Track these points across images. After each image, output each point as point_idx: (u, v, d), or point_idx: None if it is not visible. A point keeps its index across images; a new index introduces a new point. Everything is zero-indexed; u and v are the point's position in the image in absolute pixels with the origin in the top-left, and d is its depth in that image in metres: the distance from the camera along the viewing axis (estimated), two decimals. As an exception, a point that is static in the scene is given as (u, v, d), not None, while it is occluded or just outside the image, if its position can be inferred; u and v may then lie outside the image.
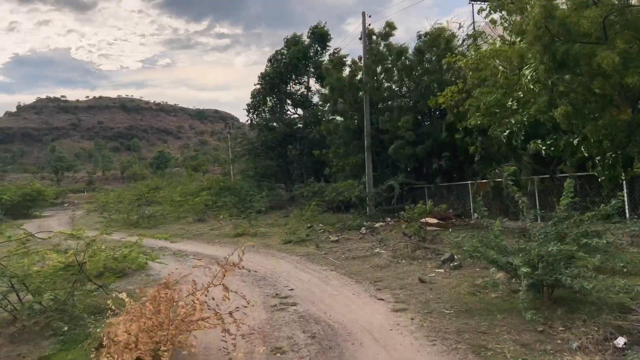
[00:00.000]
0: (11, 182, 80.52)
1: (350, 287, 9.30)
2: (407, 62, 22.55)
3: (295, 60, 33.13)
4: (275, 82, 34.02)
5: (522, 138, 14.67)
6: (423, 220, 15.49)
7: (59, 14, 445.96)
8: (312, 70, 34.64)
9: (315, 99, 35.16)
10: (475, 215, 18.82)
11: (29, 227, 30.37)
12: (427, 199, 20.96)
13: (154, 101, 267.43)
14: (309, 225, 18.86)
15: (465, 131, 18.39)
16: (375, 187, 21.51)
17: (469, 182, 18.99)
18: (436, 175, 21.27)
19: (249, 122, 36.35)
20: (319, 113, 32.54)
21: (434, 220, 17.44)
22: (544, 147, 13.76)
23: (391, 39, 22.74)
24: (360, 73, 23.13)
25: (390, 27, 22.58)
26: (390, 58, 22.36)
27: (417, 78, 22.32)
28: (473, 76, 16.39)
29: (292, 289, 9.47)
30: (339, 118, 25.54)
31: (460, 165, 20.67)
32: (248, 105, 35.54)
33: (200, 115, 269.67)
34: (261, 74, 35.08)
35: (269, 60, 35.63)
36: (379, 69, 23.01)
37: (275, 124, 35.34)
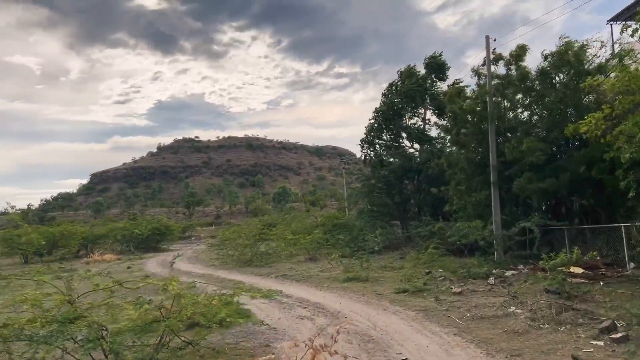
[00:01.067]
0: (148, 216, 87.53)
1: (480, 362, 7.41)
2: (537, 87, 20.09)
3: (412, 91, 31.62)
4: (389, 115, 32.69)
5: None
6: (567, 270, 12.85)
7: (195, 63, 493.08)
8: (429, 102, 32.83)
9: (433, 132, 33.23)
10: (632, 264, 15.63)
11: (154, 260, 31.92)
12: (567, 244, 18.02)
13: (277, 140, 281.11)
14: (427, 270, 16.92)
15: (613, 164, 15.58)
16: (504, 228, 18.98)
17: (622, 224, 15.85)
18: (577, 215, 18.25)
19: (363, 157, 35.21)
20: (438, 146, 30.49)
21: (580, 271, 14.66)
22: None
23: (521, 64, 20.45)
24: (485, 100, 21.00)
25: (522, 49, 20.32)
26: (517, 84, 20.06)
27: (550, 104, 19.67)
28: (623, 100, 13.76)
29: (406, 358, 7.80)
30: (459, 150, 23.38)
31: (609, 203, 17.51)
32: (362, 140, 34.52)
33: (319, 152, 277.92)
34: (376, 108, 34.01)
35: (383, 95, 34.53)
36: (505, 95, 20.76)
37: (391, 159, 33.85)
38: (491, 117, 19.88)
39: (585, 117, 15.33)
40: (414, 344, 8.68)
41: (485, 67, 20.92)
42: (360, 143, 34.33)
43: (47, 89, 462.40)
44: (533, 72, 20.00)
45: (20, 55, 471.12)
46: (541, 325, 9.21)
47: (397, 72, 33.77)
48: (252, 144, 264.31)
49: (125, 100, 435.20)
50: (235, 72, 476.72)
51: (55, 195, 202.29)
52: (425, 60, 32.83)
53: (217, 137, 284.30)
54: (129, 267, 27.58)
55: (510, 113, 21.49)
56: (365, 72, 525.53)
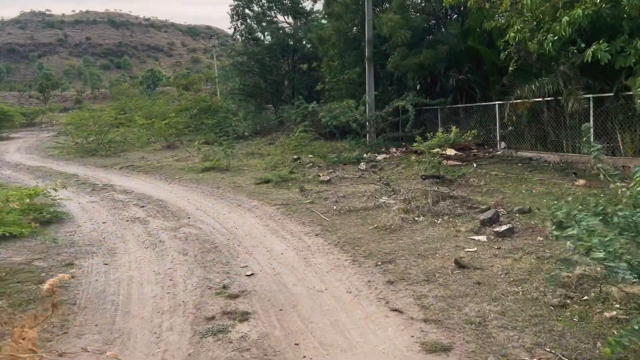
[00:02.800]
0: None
1: (345, 274, 5.76)
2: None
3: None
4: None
5: (566, 38, 10.53)
6: (441, 153, 11.73)
7: None
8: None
9: (308, 5, 30.19)
10: (503, 144, 15.18)
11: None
12: (440, 124, 17.23)
13: (144, 16, 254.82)
14: (295, 157, 15.15)
15: (492, 36, 14.47)
16: (377, 109, 17.57)
17: (496, 102, 15.12)
18: (452, 94, 17.28)
19: (233, 30, 31.28)
20: (314, 22, 27.77)
21: (453, 152, 13.81)
22: (602, 51, 9.52)
23: None
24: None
25: None
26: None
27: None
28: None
29: (251, 274, 5.95)
30: (334, 23, 20.95)
31: (485, 80, 16.67)
32: (232, 9, 30.30)
33: (192, 31, 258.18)
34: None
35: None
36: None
37: (262, 34, 30.46)
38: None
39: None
40: (267, 250, 6.86)
41: None
42: (228, 12, 30.19)
43: None
44: None
45: None
46: (416, 219, 7.85)
47: None
48: (115, 21, 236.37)
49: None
50: None
51: None
52: None
53: (73, 10, 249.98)
54: (-58, 160, 22.63)
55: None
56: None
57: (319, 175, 12.33)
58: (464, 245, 6.46)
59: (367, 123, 17.11)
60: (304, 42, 28.61)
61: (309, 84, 27.75)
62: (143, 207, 10.23)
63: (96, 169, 16.75)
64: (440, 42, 16.87)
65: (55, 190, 7.48)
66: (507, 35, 11.50)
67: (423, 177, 10.27)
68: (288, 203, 9.67)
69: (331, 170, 13.10)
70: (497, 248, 6.28)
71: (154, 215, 9.40)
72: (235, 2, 29.92)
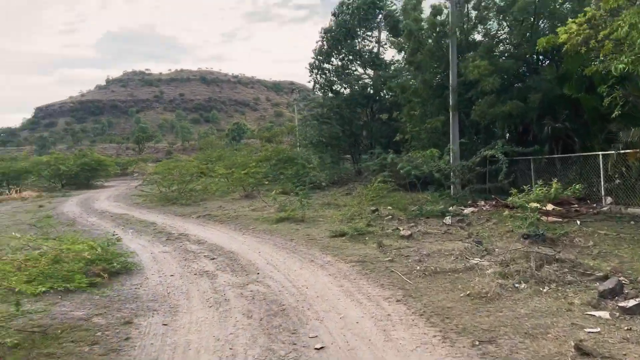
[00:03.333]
0: (95, 152, 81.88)
1: (434, 355, 4.72)
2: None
3: (363, 9, 28.00)
4: (339, 36, 29.06)
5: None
6: (540, 208, 10.38)
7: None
8: (384, 21, 29.32)
9: (388, 56, 30.06)
10: (609, 199, 13.44)
11: (77, 198, 28.31)
12: (533, 176, 15.74)
13: (232, 74, 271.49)
14: (373, 208, 14.28)
15: (592, 81, 13.13)
16: (462, 158, 16.44)
17: (599, 152, 13.52)
18: (547, 143, 15.83)
19: (312, 83, 31.63)
20: (392, 70, 27.39)
21: (551, 207, 12.33)
22: None
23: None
24: (445, 12, 17.83)
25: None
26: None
27: (519, 13, 16.65)
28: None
29: (321, 347, 5.08)
30: (415, 72, 20.31)
31: (584, 128, 15.13)
32: (311, 65, 30.82)
33: (277, 87, 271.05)
34: (323, 28, 30.24)
35: (333, 14, 30.72)
36: (470, 5, 17.70)
37: (340, 86, 30.50)
38: (451, 29, 16.80)
39: (566, 23, 12.49)
40: (340, 317, 5.98)
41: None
42: (307, 67, 30.67)
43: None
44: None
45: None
46: (517, 285, 6.65)
47: (349, -14, 29.86)
48: (206, 78, 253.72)
49: (71, 30, 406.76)
50: (188, 1, 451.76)
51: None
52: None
53: (169, 70, 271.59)
54: (40, 206, 24.02)
55: (480, 26, 18.38)
56: (324, 3, 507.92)
57: (399, 229, 11.34)
58: (582, 324, 5.22)
59: (452, 173, 15.99)
60: (383, 92, 28.26)
61: (388, 133, 27.07)
62: (213, 259, 9.74)
63: (174, 217, 16.80)
64: (532, 89, 15.65)
65: (114, 243, 7.09)
66: (613, 67, 10.18)
67: (525, 236, 8.99)
68: (365, 260, 8.76)
69: (412, 224, 12.06)
70: (627, 329, 4.99)
71: (222, 269, 8.84)
72: (315, 57, 30.35)
